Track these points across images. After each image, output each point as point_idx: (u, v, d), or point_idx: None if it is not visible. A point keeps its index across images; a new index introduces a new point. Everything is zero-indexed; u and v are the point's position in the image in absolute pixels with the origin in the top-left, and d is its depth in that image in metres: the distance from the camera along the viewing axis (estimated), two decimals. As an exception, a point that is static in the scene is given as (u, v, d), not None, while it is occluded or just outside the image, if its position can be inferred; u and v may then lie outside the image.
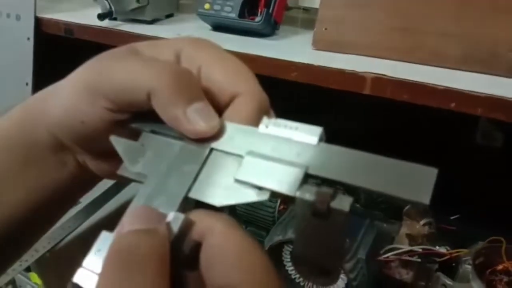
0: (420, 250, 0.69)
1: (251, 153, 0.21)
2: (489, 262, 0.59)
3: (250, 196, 0.20)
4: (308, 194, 0.18)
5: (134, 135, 0.24)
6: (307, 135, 0.20)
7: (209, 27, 0.69)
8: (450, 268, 0.67)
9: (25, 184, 0.27)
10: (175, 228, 0.18)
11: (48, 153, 0.27)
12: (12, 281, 0.62)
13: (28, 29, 0.75)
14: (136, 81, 0.22)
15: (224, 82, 0.23)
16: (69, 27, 0.71)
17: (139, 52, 0.25)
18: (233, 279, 0.17)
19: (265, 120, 0.22)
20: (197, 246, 0.18)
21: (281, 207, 0.75)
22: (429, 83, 0.48)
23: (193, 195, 0.21)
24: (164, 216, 0.19)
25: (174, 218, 0.18)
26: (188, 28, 0.70)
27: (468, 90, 0.46)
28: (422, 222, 0.78)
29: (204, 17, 0.66)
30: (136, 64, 0.23)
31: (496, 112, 0.46)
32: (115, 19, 0.70)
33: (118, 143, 0.24)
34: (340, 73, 0.51)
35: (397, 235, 0.76)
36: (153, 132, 0.24)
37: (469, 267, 0.55)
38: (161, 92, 0.22)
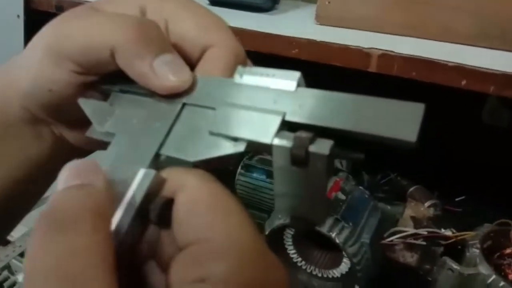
0: (425, 233, 0.68)
1: (225, 104, 0.19)
2: (497, 245, 0.57)
3: (226, 149, 0.19)
4: (285, 141, 0.17)
5: (106, 98, 0.23)
6: (284, 81, 0.19)
7: (207, 1, 0.66)
8: (455, 251, 0.65)
9: (4, 159, 0.26)
10: (145, 184, 0.17)
11: (22, 128, 0.26)
12: (7, 266, 0.60)
13: (17, 6, 0.72)
14: (97, 38, 0.21)
15: (194, 34, 0.22)
16: (60, 4, 0.68)
17: (99, 9, 0.23)
18: (204, 232, 0.16)
19: (239, 69, 0.20)
20: (169, 203, 0.17)
21: (282, 189, 0.73)
22: (439, 60, 0.45)
23: (165, 151, 0.20)
24: (98, 169, 0.17)
25: (144, 175, 0.18)
26: (185, 4, 0.67)
27: (481, 67, 0.44)
28: (426, 204, 0.77)
29: (201, -9, 0.63)
30: (97, 20, 0.22)
31: (509, 90, 0.43)
32: (108, -6, 0.67)
33: (86, 104, 0.23)
34: (344, 49, 0.49)
35: (401, 217, 0.74)
36: (122, 91, 0.23)
37: (477, 251, 0.54)
38: (124, 47, 0.20)
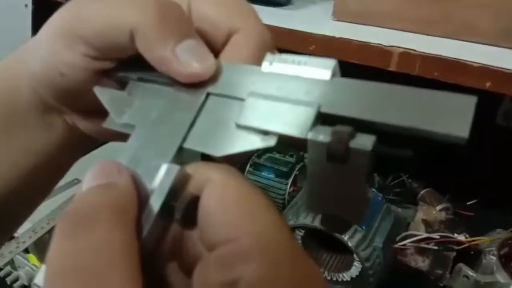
0: (438, 237, 0.66)
1: (253, 94, 0.18)
2: (514, 253, 0.55)
3: (255, 143, 0.17)
4: (322, 135, 0.16)
5: (122, 87, 0.22)
6: (318, 69, 0.17)
7: (219, -5, 0.64)
8: (468, 256, 0.64)
9: (11, 151, 0.25)
10: (169, 180, 0.16)
11: (33, 115, 0.25)
12: (11, 262, 0.60)
13: (25, -5, 0.71)
14: (116, 19, 0.20)
15: (219, 17, 0.21)
16: (69, -7, 0.67)
17: None
18: (232, 232, 0.15)
19: (268, 56, 0.19)
20: (195, 200, 0.16)
21: (292, 188, 0.71)
22: (463, 60, 0.43)
23: (188, 145, 0.18)
24: (125, 168, 0.17)
25: (167, 170, 0.17)
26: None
27: (506, 69, 0.42)
28: (438, 208, 0.75)
29: (214, -16, 0.61)
30: (115, 1, 0.20)
31: (536, 93, 0.41)
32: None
33: (103, 93, 0.21)
34: (364, 46, 0.47)
35: (413, 220, 0.73)
36: (141, 80, 0.21)
37: (494, 258, 0.52)
38: (145, 30, 0.19)
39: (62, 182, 0.30)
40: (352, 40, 0.48)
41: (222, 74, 0.19)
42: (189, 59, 0.19)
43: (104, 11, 0.20)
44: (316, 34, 0.49)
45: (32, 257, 0.59)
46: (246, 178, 0.76)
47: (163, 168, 0.17)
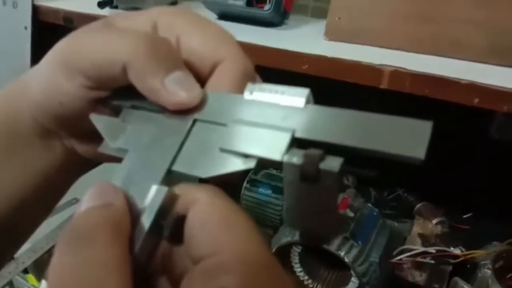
0: (434, 251, 0.67)
1: (236, 120, 0.20)
2: (509, 266, 0.56)
3: (236, 165, 0.19)
4: (296, 158, 0.17)
5: (116, 114, 0.23)
6: (293, 98, 0.19)
7: (215, 15, 0.66)
8: (465, 270, 0.64)
9: (12, 172, 0.26)
10: (158, 201, 0.18)
11: (33, 139, 0.26)
12: (10, 283, 0.59)
13: (25, 18, 0.72)
14: (110, 54, 0.21)
15: (204, 49, 0.22)
16: (69, 16, 0.69)
17: (113, 25, 0.24)
18: (215, 247, 0.16)
19: (249, 86, 0.21)
20: (182, 219, 0.18)
21: (288, 205, 0.72)
22: (452, 77, 0.44)
23: (177, 168, 0.20)
24: (120, 189, 0.18)
25: (157, 191, 0.18)
26: (193, 17, 0.67)
27: (494, 85, 0.43)
28: (434, 221, 0.76)
29: (210, 5, 0.63)
30: (110, 36, 0.22)
31: (524, 110, 0.42)
32: (116, 7, 0.68)
33: (98, 120, 0.23)
34: (356, 65, 0.48)
35: (409, 234, 0.73)
36: (134, 107, 0.23)
37: (489, 271, 0.53)
38: (136, 63, 0.21)
39: (61, 202, 0.31)
40: (344, 59, 0.49)
41: (208, 102, 0.21)
42: (177, 89, 0.20)
43: (99, 46, 0.22)
44: (309, 54, 0.51)
45: (31, 277, 0.59)
46: (244, 192, 0.76)
47: (153, 189, 0.18)
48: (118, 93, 0.23)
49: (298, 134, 0.18)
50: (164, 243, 0.18)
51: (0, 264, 0.31)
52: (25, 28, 0.73)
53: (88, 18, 0.67)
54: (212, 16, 0.66)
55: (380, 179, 0.87)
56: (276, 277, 0.16)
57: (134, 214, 0.18)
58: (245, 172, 0.74)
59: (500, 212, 0.73)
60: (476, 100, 0.44)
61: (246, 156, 0.19)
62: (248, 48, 0.59)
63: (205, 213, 0.17)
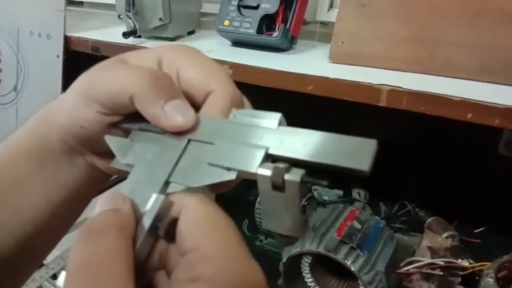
0: (442, 263, 0.68)
1: (221, 140, 0.24)
2: (512, 275, 0.57)
3: (221, 176, 0.22)
4: (267, 170, 0.21)
5: (126, 135, 0.27)
6: (268, 120, 0.23)
7: (229, 42, 0.71)
8: (473, 281, 0.65)
9: (42, 186, 0.30)
10: (157, 206, 0.21)
11: (60, 157, 0.30)
12: (40, 287, 0.64)
13: (58, 47, 0.79)
14: (120, 87, 0.25)
15: (199, 81, 0.26)
16: (96, 45, 0.75)
17: (125, 61, 0.28)
18: (197, 242, 0.20)
19: (233, 111, 0.25)
20: (175, 221, 0.21)
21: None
22: (445, 95, 0.48)
23: (173, 179, 0.24)
24: (128, 198, 0.22)
25: (156, 199, 0.22)
26: (209, 44, 0.73)
27: (485, 101, 0.46)
28: (444, 235, 0.77)
29: (224, 33, 0.68)
30: (120, 71, 0.26)
31: (514, 123, 0.45)
32: (139, 36, 0.73)
33: (111, 140, 0.27)
34: (356, 85, 0.52)
35: (418, 247, 0.75)
36: (141, 129, 0.27)
37: (491, 280, 0.54)
38: (141, 94, 0.25)
39: (83, 217, 0.35)
40: (345, 80, 0.53)
41: (200, 125, 0.25)
42: (175, 115, 0.24)
43: (110, 79, 0.26)
44: (313, 75, 0.55)
45: (60, 283, 0.64)
46: (257, 206, 0.80)
47: (153, 197, 0.22)
48: (128, 118, 0.27)
49: (271, 151, 0.22)
50: (161, 244, 0.22)
51: (30, 271, 0.35)
52: (57, 56, 0.79)
53: (113, 47, 0.74)
54: (226, 43, 0.71)
55: (391, 194, 0.89)
56: (249, 269, 0.20)
57: (137, 217, 0.22)
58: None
59: (511, 227, 0.74)
60: (469, 115, 0.47)
61: (228, 169, 0.22)
62: (258, 71, 0.64)
63: (192, 214, 0.21)
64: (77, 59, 0.81)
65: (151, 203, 0.22)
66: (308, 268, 0.65)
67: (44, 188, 0.30)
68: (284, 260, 0.64)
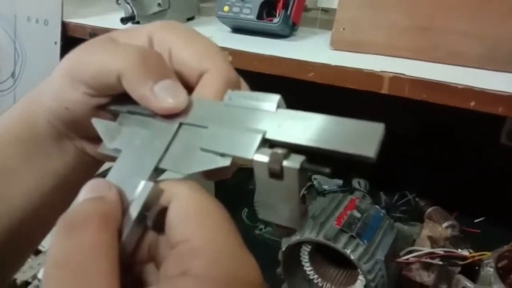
0: (442, 252, 0.68)
1: (215, 123, 0.22)
2: (512, 265, 0.57)
3: (214, 163, 0.21)
4: (264, 156, 0.19)
5: (115, 118, 0.26)
6: (266, 103, 0.21)
7: (229, 29, 0.70)
8: (473, 271, 0.65)
9: (32, 174, 0.29)
10: (145, 194, 0.20)
11: (49, 142, 0.29)
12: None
13: (55, 34, 0.78)
14: (106, 66, 0.24)
15: (192, 61, 0.25)
16: (94, 31, 0.73)
17: (114, 40, 0.26)
18: (187, 234, 0.18)
19: (229, 92, 0.23)
20: (164, 210, 0.20)
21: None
22: (448, 82, 0.47)
23: (163, 165, 0.22)
24: (114, 185, 0.21)
25: (144, 186, 0.20)
26: (208, 30, 0.71)
27: (488, 89, 0.45)
28: (444, 225, 0.77)
29: (223, 19, 0.67)
30: (107, 50, 0.24)
31: (518, 111, 0.45)
32: (137, 22, 0.71)
33: (98, 124, 0.25)
34: (358, 72, 0.51)
35: (418, 237, 0.75)
36: (129, 112, 0.25)
37: (491, 269, 0.54)
38: (129, 73, 0.23)
39: None
40: (347, 67, 0.52)
41: (193, 107, 0.23)
42: (165, 96, 0.23)
43: (97, 58, 0.24)
44: (314, 62, 0.54)
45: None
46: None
47: (141, 184, 0.20)
48: (116, 99, 0.26)
49: (268, 136, 0.20)
50: (151, 234, 0.21)
51: (20, 262, 0.34)
52: (55, 43, 0.78)
53: (112, 33, 0.73)
54: (226, 29, 0.70)
55: (391, 184, 0.89)
56: (242, 262, 0.18)
57: (124, 206, 0.20)
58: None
59: (511, 217, 0.74)
60: (472, 103, 0.47)
61: (222, 155, 0.21)
62: (258, 58, 0.63)
63: (183, 204, 0.19)
64: (75, 46, 0.80)
65: (139, 191, 0.20)
66: (307, 257, 0.65)
67: (33, 175, 0.29)
68: (283, 249, 0.64)
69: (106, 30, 0.72)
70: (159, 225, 0.20)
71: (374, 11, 0.55)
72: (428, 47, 0.52)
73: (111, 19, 0.73)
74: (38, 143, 0.29)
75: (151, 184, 0.20)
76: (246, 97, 0.22)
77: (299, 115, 0.20)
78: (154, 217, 0.20)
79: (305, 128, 0.19)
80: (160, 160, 0.22)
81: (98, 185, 0.21)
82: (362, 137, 0.18)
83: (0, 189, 0.28)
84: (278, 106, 0.21)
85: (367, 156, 0.17)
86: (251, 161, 0.20)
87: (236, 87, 0.25)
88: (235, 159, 0.21)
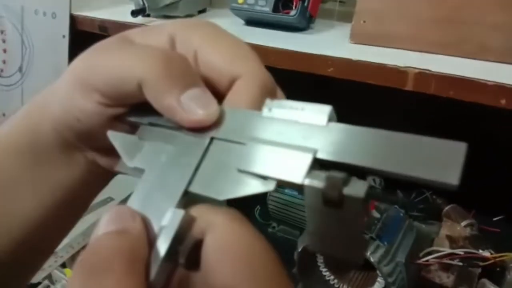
0: (462, 253, 0.66)
1: (254, 139, 0.19)
2: (539, 269, 0.55)
3: (255, 187, 0.18)
4: (317, 181, 0.16)
5: (134, 130, 0.23)
6: (315, 115, 0.18)
7: (243, 21, 0.67)
8: (494, 273, 0.63)
9: (36, 186, 0.26)
10: (175, 225, 0.17)
11: (56, 152, 0.26)
12: (49, 276, 0.63)
13: (63, 27, 0.76)
14: (125, 72, 0.21)
15: (222, 65, 0.22)
16: (103, 24, 0.71)
17: (131, 40, 0.23)
18: (230, 280, 0.16)
19: (268, 102, 0.20)
20: (198, 244, 0.17)
21: (315, 206, 0.73)
22: (478, 78, 0.45)
23: (193, 189, 0.19)
24: (138, 214, 0.18)
25: (173, 214, 0.17)
26: (221, 23, 0.68)
27: (521, 86, 0.43)
28: (463, 224, 0.75)
29: (237, 11, 0.65)
30: (125, 53, 0.22)
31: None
32: (148, 15, 0.70)
33: (115, 137, 0.22)
34: (381, 68, 0.49)
35: (437, 236, 0.73)
36: (151, 124, 0.22)
37: (518, 273, 0.52)
38: (152, 81, 0.20)
39: (97, 200, 0.32)
40: (369, 62, 0.50)
41: (225, 119, 0.20)
42: (193, 107, 0.20)
43: (113, 63, 0.21)
44: (334, 57, 0.51)
45: (69, 271, 0.63)
46: (270, 193, 0.78)
47: (170, 212, 0.17)
48: (135, 109, 0.23)
49: (320, 155, 0.17)
50: (182, 269, 0.18)
51: (27, 277, 0.31)
52: (63, 36, 0.76)
53: (122, 26, 0.70)
54: (239, 22, 0.68)
55: (407, 181, 0.86)
56: None
57: (150, 238, 0.17)
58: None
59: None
60: (503, 101, 0.44)
61: (265, 178, 0.18)
62: (274, 52, 0.61)
63: (222, 240, 0.16)
64: (84, 39, 0.78)
65: (167, 220, 0.17)
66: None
67: (38, 189, 0.26)
68: (299, 250, 0.62)
69: (115, 23, 0.70)
70: (193, 260, 0.17)
71: (397, 2, 0.52)
72: (455, 40, 0.50)
73: (121, 12, 0.71)
74: (43, 154, 0.26)
75: (181, 212, 0.17)
76: (290, 107, 0.19)
77: (357, 131, 0.17)
78: (188, 252, 0.17)
79: (366, 146, 0.16)
80: (190, 182, 0.19)
81: (120, 214, 0.18)
82: (440, 160, 0.15)
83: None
84: (329, 119, 0.18)
85: (449, 183, 0.14)
86: (301, 186, 0.17)
87: (273, 95, 0.22)
88: (280, 183, 0.18)
